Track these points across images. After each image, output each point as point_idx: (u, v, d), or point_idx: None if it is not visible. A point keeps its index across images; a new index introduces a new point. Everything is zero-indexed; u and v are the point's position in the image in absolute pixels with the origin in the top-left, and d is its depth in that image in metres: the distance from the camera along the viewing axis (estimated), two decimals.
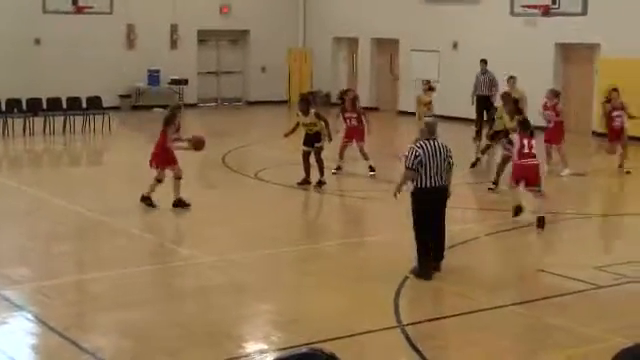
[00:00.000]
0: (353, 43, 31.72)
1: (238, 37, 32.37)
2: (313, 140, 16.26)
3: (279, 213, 14.42)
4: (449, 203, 10.58)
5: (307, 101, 16.86)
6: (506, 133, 15.56)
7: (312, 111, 16.29)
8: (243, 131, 25.66)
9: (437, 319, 9.18)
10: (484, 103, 22.47)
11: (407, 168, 10.34)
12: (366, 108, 30.31)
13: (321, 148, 16.29)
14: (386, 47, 30.46)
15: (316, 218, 15.66)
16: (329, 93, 31.97)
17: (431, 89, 20.64)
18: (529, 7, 21.04)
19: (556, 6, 20.56)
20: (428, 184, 10.27)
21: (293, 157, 17.15)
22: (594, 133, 22.70)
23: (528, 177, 13.23)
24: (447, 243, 10.77)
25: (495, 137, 16.95)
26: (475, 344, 8.35)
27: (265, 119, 28.90)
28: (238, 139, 22.74)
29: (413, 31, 28.59)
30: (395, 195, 10.53)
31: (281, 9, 32.32)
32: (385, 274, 10.53)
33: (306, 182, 16.25)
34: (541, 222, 12.92)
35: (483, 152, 18.61)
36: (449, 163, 10.39)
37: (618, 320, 9.03)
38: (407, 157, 10.35)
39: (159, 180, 14.04)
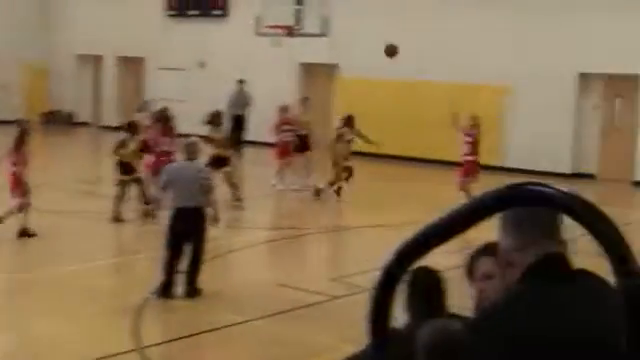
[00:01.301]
0: (97, 61, 31.03)
1: None
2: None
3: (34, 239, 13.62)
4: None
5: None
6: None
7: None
8: None
9: (180, 339, 9.15)
10: (239, 122, 22.74)
11: (160, 187, 10.28)
12: (111, 127, 29.99)
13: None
14: (132, 65, 30.07)
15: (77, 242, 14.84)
16: (71, 113, 31.06)
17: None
18: (273, 27, 21.57)
19: (299, 27, 21.20)
20: (176, 204, 10.25)
21: (44, 180, 16.39)
22: None
23: None
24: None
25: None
26: None
27: None
28: None
29: (159, 49, 28.47)
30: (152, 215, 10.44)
31: (19, 23, 30.99)
32: (123, 296, 10.35)
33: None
34: None
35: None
36: (202, 185, 10.35)
37: (352, 329, 9.40)
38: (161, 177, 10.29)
39: None
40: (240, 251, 13.29)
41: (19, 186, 13.05)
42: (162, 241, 10.36)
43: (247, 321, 9.63)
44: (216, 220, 10.97)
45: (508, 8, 21.43)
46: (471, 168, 16.52)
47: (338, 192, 17.25)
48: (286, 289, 11.06)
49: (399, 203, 17.46)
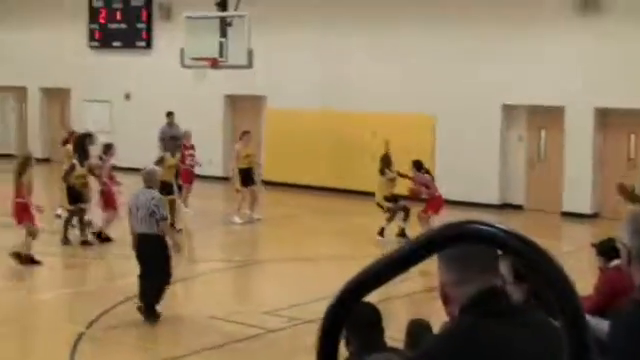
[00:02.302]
0: (22, 92, 30.58)
1: None
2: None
3: None
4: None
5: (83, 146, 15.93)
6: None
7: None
8: None
9: None
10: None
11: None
12: (37, 159, 29.52)
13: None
14: (57, 97, 29.72)
15: None
16: None
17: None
18: (199, 59, 21.54)
19: (224, 59, 21.22)
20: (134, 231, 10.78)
21: None
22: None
23: None
24: (118, 297, 10.71)
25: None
26: None
27: None
28: None
29: (84, 81, 28.20)
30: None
31: None
32: (61, 328, 10.23)
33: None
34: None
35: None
36: (153, 212, 10.59)
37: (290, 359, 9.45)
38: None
39: None
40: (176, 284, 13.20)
41: (26, 214, 13.53)
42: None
43: (186, 355, 9.59)
44: (175, 248, 11.18)
45: (433, 37, 21.72)
46: (439, 203, 16.76)
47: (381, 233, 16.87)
48: (220, 322, 11.04)
49: (328, 236, 17.58)
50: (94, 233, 15.61)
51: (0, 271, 13.75)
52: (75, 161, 15.91)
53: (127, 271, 13.98)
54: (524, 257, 2.10)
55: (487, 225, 2.25)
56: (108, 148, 16.83)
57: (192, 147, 19.43)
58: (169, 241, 11.01)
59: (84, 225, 15.62)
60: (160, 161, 16.04)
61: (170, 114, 22.97)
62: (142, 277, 10.80)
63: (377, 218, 17.17)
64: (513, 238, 2.11)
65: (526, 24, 20.39)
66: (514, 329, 2.53)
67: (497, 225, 2.18)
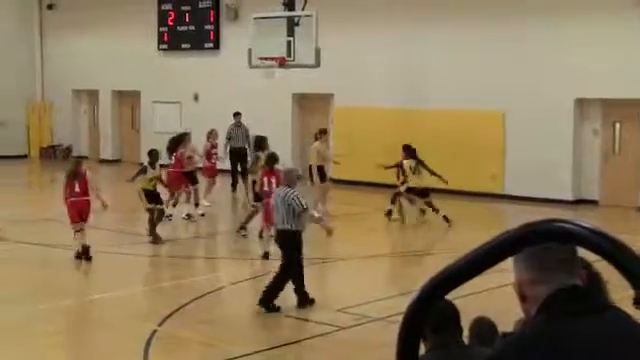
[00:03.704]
0: (94, 95, 31.21)
1: None
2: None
3: (15, 272, 13.74)
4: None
5: (155, 154, 16.45)
6: None
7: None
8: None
9: None
10: (239, 155, 22.66)
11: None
12: (108, 161, 30.10)
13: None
14: (127, 99, 30.24)
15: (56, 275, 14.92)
16: (70, 146, 31.24)
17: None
18: (266, 59, 21.68)
19: (291, 58, 21.32)
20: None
21: (43, 214, 16.54)
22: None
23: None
24: (196, 293, 10.88)
25: None
26: None
27: (2, 173, 27.62)
28: None
29: (154, 83, 28.63)
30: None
31: (17, 61, 31.26)
32: (133, 327, 10.39)
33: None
34: None
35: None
36: (293, 208, 11.21)
37: (362, 358, 9.44)
38: (296, 202, 11.20)
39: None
40: (240, 283, 13.32)
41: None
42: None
43: (255, 352, 9.64)
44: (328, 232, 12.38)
45: (506, 34, 21.44)
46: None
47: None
48: (291, 319, 11.09)
49: (396, 233, 17.54)
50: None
51: (76, 267, 14.04)
52: (146, 164, 16.20)
53: (196, 271, 14.30)
54: (610, 256, 2.06)
55: (570, 223, 2.21)
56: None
57: (216, 146, 20.67)
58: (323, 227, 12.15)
59: (154, 225, 15.89)
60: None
61: (237, 114, 23.15)
62: (285, 270, 11.22)
63: (446, 214, 17.17)
64: (599, 237, 2.07)
65: (599, 16, 20.02)
66: (598, 330, 2.45)
67: (582, 223, 2.14)
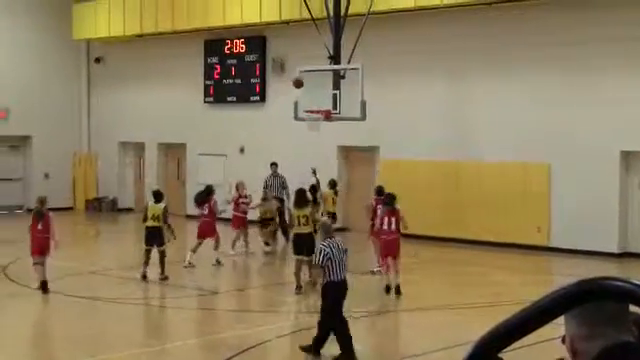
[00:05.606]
0: (139, 147, 31.60)
1: (19, 142, 31.49)
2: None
3: (67, 326, 13.85)
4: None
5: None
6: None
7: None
8: (26, 239, 24.57)
9: None
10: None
11: (318, 265, 11.55)
12: None
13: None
14: (173, 151, 30.56)
15: (114, 328, 14.91)
16: (115, 199, 31.58)
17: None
18: (312, 112, 21.83)
19: (337, 111, 21.45)
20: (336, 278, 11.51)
21: (88, 267, 16.71)
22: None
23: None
24: (241, 346, 10.87)
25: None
26: None
27: None
28: (20, 248, 21.72)
29: (199, 135, 28.95)
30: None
31: (64, 113, 31.84)
32: None
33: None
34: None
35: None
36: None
37: None
38: (316, 256, 11.50)
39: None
40: (285, 337, 13.26)
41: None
42: None
43: None
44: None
45: (552, 85, 21.40)
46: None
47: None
48: None
49: (448, 285, 17.40)
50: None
51: (119, 320, 14.11)
52: (148, 201, 17.69)
53: (237, 324, 14.21)
54: None
55: (626, 282, 2.22)
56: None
57: (245, 196, 21.32)
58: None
59: (163, 265, 17.01)
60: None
61: (274, 164, 23.46)
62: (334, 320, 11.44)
63: (492, 268, 17.02)
64: None
65: None
66: None
67: (636, 281, 2.15)
